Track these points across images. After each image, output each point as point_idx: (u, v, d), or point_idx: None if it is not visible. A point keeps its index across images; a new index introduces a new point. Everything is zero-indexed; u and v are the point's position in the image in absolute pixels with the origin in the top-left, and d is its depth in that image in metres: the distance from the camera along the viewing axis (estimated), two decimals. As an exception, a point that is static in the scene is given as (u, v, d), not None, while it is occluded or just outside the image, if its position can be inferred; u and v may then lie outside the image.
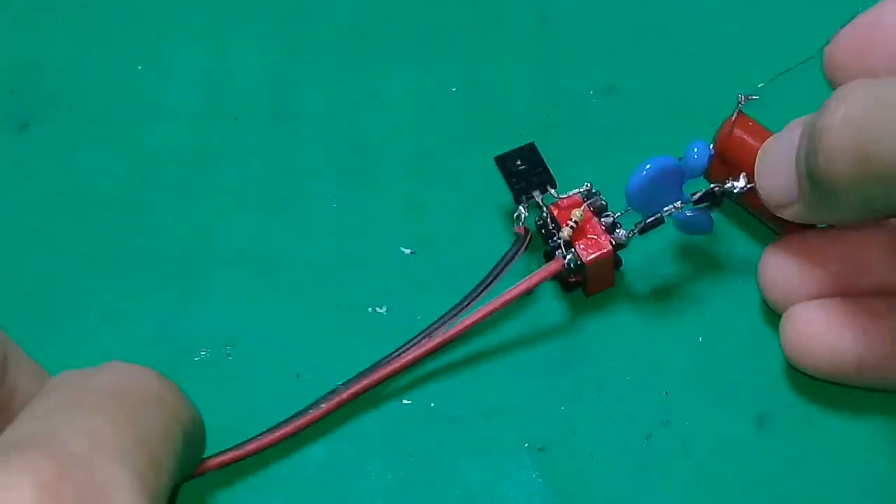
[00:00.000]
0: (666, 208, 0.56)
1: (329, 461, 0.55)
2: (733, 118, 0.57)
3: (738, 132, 0.57)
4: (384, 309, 0.59)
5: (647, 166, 0.55)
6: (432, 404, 0.56)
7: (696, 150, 0.56)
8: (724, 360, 0.57)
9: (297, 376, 0.57)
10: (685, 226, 0.58)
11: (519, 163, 0.59)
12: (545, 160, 0.60)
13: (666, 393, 0.57)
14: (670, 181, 0.56)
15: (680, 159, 0.56)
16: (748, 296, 0.59)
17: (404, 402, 0.56)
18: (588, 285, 0.58)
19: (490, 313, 0.55)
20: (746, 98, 0.58)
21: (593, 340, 0.58)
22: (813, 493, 0.54)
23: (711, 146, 0.56)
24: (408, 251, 0.61)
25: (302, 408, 0.55)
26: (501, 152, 0.59)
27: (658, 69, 0.68)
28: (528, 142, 0.60)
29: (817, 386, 0.56)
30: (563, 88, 0.67)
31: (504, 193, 0.63)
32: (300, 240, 0.61)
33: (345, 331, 0.58)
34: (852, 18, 0.53)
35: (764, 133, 0.58)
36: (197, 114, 0.66)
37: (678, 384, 0.57)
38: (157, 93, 0.67)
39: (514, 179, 0.59)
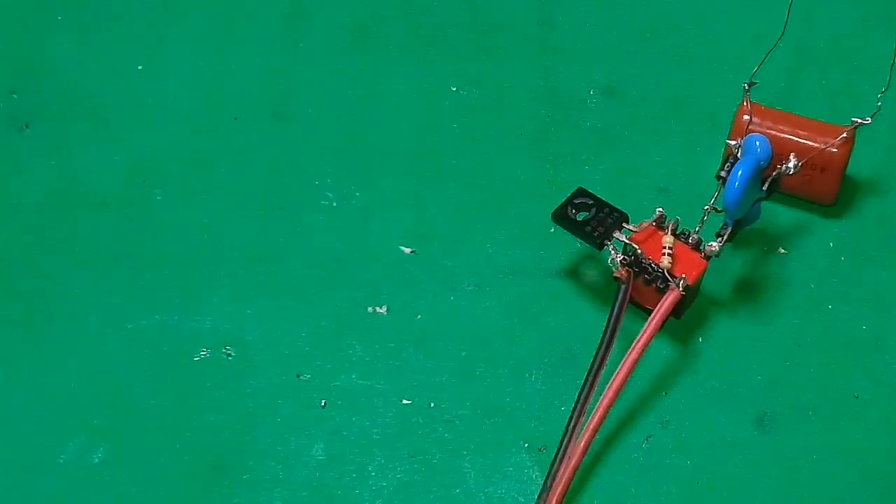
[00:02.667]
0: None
1: (329, 461, 0.55)
2: (746, 106, 0.59)
3: (754, 119, 0.59)
4: (384, 309, 0.59)
5: (739, 173, 0.55)
6: (432, 404, 0.56)
7: (757, 143, 0.57)
8: (723, 361, 0.57)
9: (297, 376, 0.57)
10: (745, 219, 0.58)
11: (574, 212, 0.58)
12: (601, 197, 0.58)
13: (666, 393, 0.57)
14: (755, 180, 0.57)
15: (733, 158, 0.57)
16: (747, 295, 0.59)
17: (404, 402, 0.56)
18: (686, 305, 0.58)
19: (631, 368, 0.54)
20: (750, 85, 0.60)
21: (593, 341, 0.58)
22: (812, 493, 0.54)
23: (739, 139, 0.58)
24: (408, 250, 0.61)
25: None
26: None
27: (658, 69, 0.68)
28: (575, 188, 0.59)
29: (817, 386, 0.57)
30: (563, 88, 0.67)
31: (505, 193, 0.63)
32: (300, 240, 0.61)
33: (345, 331, 0.58)
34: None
35: (775, 114, 0.60)
36: (197, 114, 0.66)
37: (678, 384, 0.57)
38: (157, 93, 0.67)
39: (588, 228, 0.57)
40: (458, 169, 0.64)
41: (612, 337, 0.54)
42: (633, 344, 0.54)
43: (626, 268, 0.56)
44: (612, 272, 0.56)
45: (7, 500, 0.53)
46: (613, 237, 0.56)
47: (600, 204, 0.58)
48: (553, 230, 0.62)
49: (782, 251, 0.61)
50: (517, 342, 0.58)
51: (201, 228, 0.62)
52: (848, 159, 0.59)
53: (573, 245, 0.61)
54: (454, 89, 0.67)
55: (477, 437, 0.55)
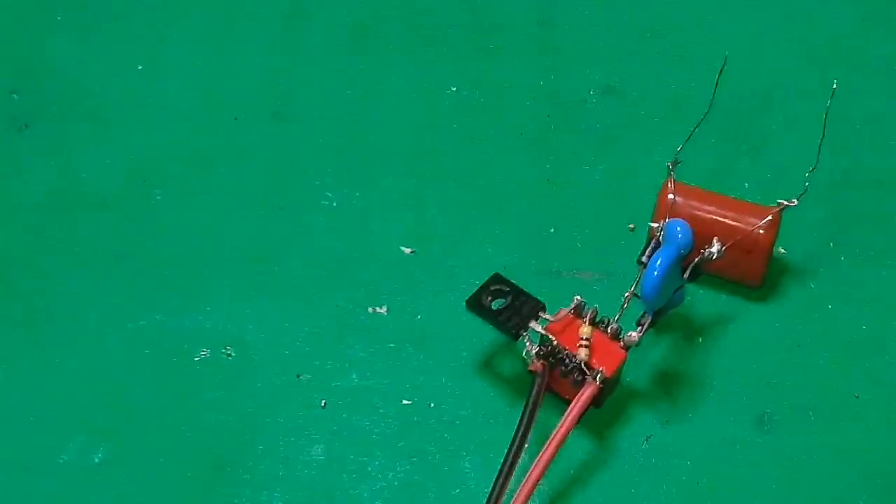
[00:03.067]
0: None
1: (329, 461, 0.55)
2: (670, 185, 0.58)
3: (679, 198, 0.57)
4: (384, 309, 0.59)
5: (658, 262, 0.54)
6: (432, 405, 0.56)
7: (678, 229, 0.55)
8: (723, 361, 0.57)
9: (298, 376, 0.57)
10: (667, 304, 0.56)
11: (491, 298, 0.55)
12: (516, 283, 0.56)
13: (666, 393, 0.57)
14: (675, 268, 0.55)
15: (655, 242, 0.56)
16: (746, 299, 0.59)
17: (404, 402, 0.56)
18: (605, 394, 0.55)
19: (546, 465, 0.51)
20: (674, 164, 0.58)
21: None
22: (812, 493, 0.54)
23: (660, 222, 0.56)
24: (408, 251, 0.61)
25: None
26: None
27: (658, 69, 0.68)
28: (491, 273, 0.56)
29: (817, 386, 0.57)
30: (563, 88, 0.67)
31: (505, 193, 0.63)
32: (300, 240, 0.61)
33: (345, 331, 0.58)
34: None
35: (700, 194, 0.58)
36: (197, 114, 0.66)
37: (678, 384, 0.57)
38: (157, 93, 0.67)
39: (501, 318, 0.55)
40: (458, 169, 0.64)
41: (524, 435, 0.52)
42: (548, 442, 0.52)
43: (542, 360, 0.54)
44: (527, 365, 0.54)
45: (7, 500, 0.53)
46: (529, 327, 0.54)
47: (516, 291, 0.55)
48: (553, 230, 0.62)
49: (782, 251, 0.61)
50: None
51: (201, 228, 0.62)
52: (774, 241, 0.58)
53: (573, 246, 0.61)
54: (454, 89, 0.67)
55: (477, 437, 0.55)
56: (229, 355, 0.58)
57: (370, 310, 0.59)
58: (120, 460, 0.54)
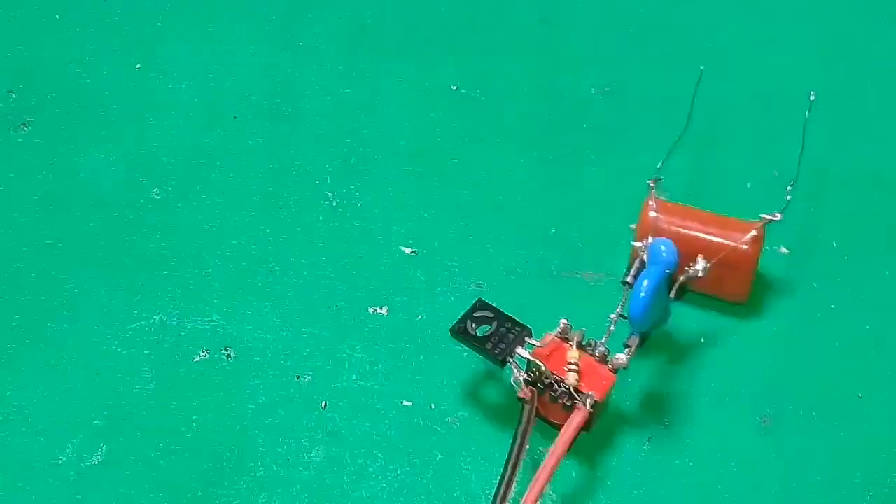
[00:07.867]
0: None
1: (329, 462, 0.54)
2: (652, 203, 0.57)
3: (661, 216, 0.57)
4: (384, 309, 0.59)
5: (645, 283, 0.53)
6: (432, 405, 0.56)
7: (662, 248, 0.55)
8: (725, 361, 0.57)
9: (297, 377, 0.57)
10: (653, 324, 0.56)
11: (475, 326, 0.54)
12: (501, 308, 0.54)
13: (667, 394, 0.57)
14: (662, 289, 0.55)
15: (642, 261, 0.56)
16: (752, 296, 0.59)
17: (404, 402, 0.56)
18: (595, 418, 0.54)
19: (539, 493, 0.50)
20: (655, 181, 0.58)
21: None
22: (813, 493, 0.54)
23: (644, 241, 0.56)
24: (408, 251, 0.61)
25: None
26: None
27: (658, 69, 0.68)
28: (475, 299, 0.55)
29: (817, 387, 0.57)
30: (564, 88, 0.67)
31: (505, 193, 0.63)
32: (300, 239, 0.61)
33: (345, 331, 0.58)
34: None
35: (683, 211, 0.58)
36: (197, 113, 0.66)
37: (679, 385, 0.57)
38: (156, 92, 0.67)
39: (489, 345, 0.53)
40: (458, 169, 0.64)
41: (514, 468, 0.50)
42: (539, 472, 0.50)
43: (530, 387, 0.52)
44: (516, 392, 0.53)
45: (6, 500, 0.53)
46: (516, 353, 0.53)
47: (501, 317, 0.54)
48: (553, 230, 0.62)
49: (784, 251, 0.61)
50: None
51: (201, 228, 0.62)
52: (759, 256, 0.57)
53: (573, 246, 0.61)
54: (454, 88, 0.67)
55: (478, 438, 0.55)
56: (229, 356, 0.57)
57: (370, 310, 0.59)
58: (119, 461, 0.54)
